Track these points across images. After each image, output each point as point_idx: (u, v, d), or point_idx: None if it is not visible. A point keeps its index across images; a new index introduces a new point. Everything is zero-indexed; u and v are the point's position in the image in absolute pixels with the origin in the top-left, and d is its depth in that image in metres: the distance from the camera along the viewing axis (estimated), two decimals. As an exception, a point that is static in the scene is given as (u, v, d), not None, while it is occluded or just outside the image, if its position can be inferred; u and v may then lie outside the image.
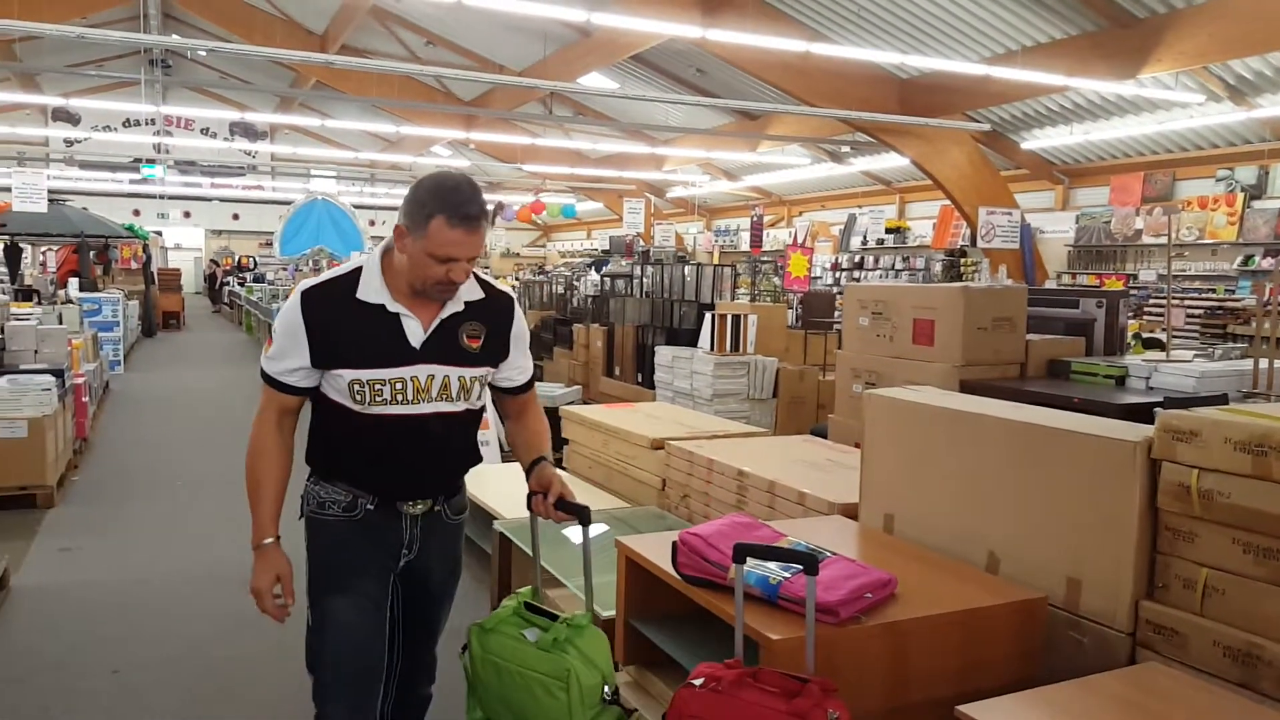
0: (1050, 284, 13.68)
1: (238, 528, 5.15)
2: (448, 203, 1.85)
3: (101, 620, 3.86)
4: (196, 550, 4.86)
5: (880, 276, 17.85)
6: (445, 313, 1.98)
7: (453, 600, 2.22)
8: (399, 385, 1.95)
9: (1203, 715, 1.77)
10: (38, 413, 5.56)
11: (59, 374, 6.07)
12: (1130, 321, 10.38)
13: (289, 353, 1.94)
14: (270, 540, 1.98)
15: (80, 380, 7.05)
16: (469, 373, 2.02)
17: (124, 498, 5.89)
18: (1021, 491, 2.45)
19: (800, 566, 1.90)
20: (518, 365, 2.15)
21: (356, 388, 1.93)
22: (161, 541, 5.01)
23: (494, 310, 2.07)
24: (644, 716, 2.49)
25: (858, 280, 17.11)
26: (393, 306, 1.95)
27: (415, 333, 1.96)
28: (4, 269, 13.82)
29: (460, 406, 2.03)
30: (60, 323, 7.75)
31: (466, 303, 2.01)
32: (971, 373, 4.18)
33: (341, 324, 1.93)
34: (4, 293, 8.63)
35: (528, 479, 2.18)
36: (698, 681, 1.80)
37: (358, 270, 1.98)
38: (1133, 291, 12.42)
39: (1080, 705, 1.81)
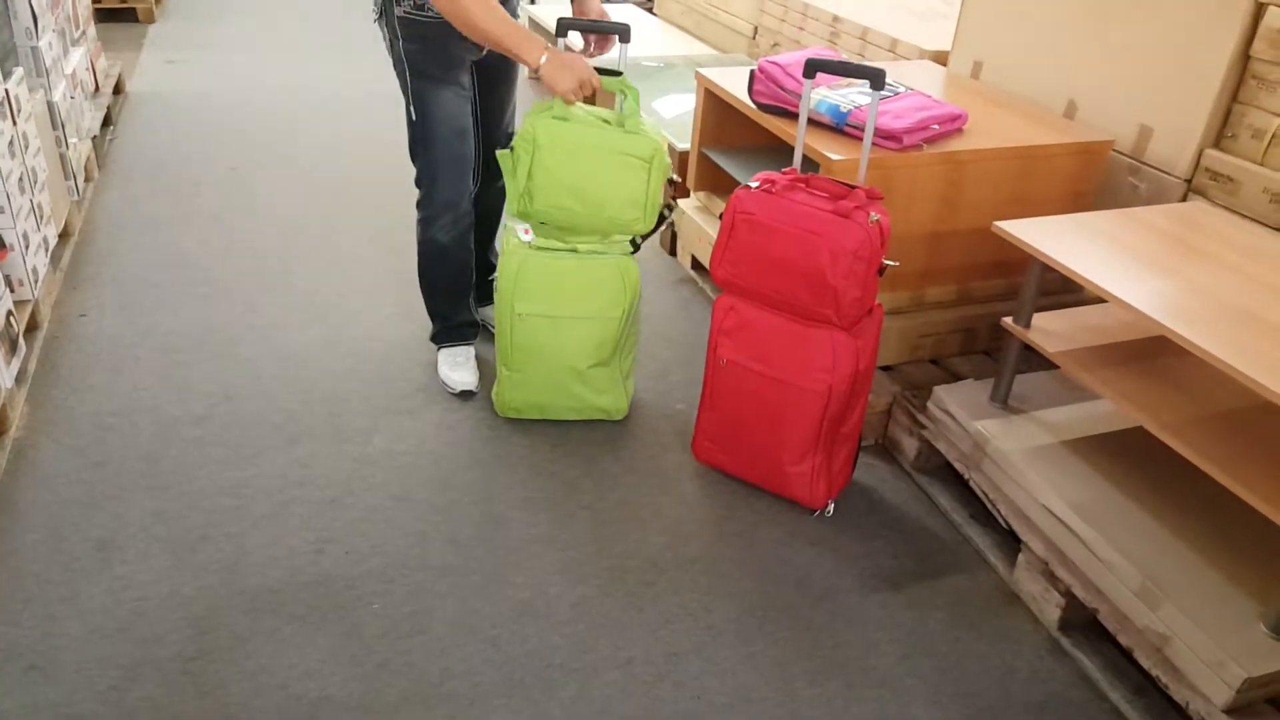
0: None
1: (323, 48, 5.46)
2: None
3: (213, 125, 4.30)
4: (290, 65, 5.21)
5: None
6: None
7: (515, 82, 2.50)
8: None
9: (1233, 245, 1.96)
10: (120, -81, 5.64)
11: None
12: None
13: None
14: (548, 46, 2.09)
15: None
16: None
17: (218, 15, 6.16)
18: (1115, 36, 2.46)
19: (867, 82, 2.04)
20: None
21: None
22: (258, 57, 5.34)
23: None
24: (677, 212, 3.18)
25: None
26: None
27: None
28: None
29: None
30: None
31: None
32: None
33: None
34: None
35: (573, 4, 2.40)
36: (754, 184, 2.05)
37: None
38: None
39: (1115, 229, 2.02)
